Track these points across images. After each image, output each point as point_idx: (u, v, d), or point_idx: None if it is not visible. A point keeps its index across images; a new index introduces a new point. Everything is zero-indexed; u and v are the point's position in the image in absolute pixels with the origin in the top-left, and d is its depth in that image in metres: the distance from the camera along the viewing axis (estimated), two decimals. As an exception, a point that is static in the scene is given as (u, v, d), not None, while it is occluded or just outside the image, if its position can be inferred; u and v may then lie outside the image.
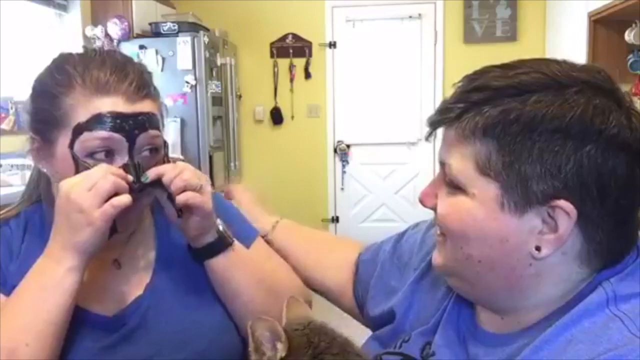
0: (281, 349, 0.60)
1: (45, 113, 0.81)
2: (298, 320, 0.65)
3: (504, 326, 0.66)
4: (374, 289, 0.90)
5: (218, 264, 0.86)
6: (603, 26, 3.34)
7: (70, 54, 0.85)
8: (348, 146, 4.85)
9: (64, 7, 3.76)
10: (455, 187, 0.64)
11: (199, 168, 0.88)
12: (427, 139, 0.70)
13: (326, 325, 0.65)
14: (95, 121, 0.78)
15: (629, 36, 3.14)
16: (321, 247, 1.05)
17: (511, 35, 4.52)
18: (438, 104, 0.68)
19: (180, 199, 0.78)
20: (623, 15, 3.06)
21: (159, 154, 0.84)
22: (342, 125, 4.85)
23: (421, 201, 0.70)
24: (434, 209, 0.68)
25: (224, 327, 0.88)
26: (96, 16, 3.89)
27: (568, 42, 3.87)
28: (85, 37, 3.81)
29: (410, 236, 0.90)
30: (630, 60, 3.20)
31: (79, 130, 0.78)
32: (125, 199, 0.75)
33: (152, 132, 0.81)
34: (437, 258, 0.70)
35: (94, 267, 0.82)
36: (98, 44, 3.81)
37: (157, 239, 0.92)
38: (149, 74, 0.86)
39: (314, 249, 1.03)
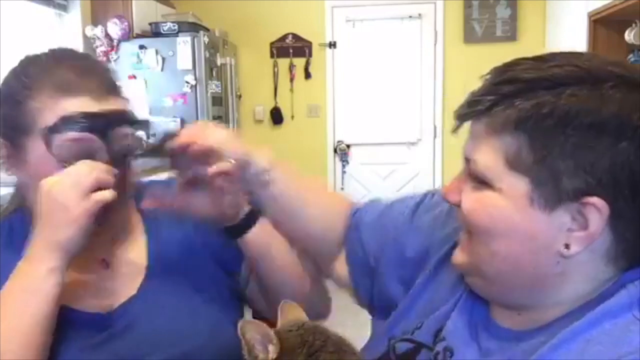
0: (272, 351, 0.60)
1: (12, 118, 0.80)
2: (292, 322, 0.65)
3: (520, 322, 0.64)
4: (386, 256, 0.85)
5: (255, 235, 0.86)
6: (603, 26, 3.33)
7: (36, 56, 0.85)
8: (348, 146, 4.85)
9: (64, 7, 3.76)
10: (481, 182, 0.62)
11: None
12: (453, 132, 0.66)
13: (320, 325, 0.65)
14: (64, 122, 0.77)
15: (629, 36, 3.14)
16: (316, 197, 0.95)
17: (511, 35, 4.52)
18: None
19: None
20: (623, 15, 3.05)
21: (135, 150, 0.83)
22: (342, 125, 4.85)
23: (445, 197, 0.68)
24: (458, 205, 0.66)
25: (219, 324, 0.88)
26: (96, 16, 3.89)
27: (568, 42, 3.87)
28: (85, 37, 3.81)
29: (435, 204, 0.84)
30: (631, 60, 3.20)
31: (50, 132, 0.77)
32: (107, 194, 0.74)
33: (125, 127, 0.81)
34: (459, 256, 0.68)
35: (80, 266, 0.82)
36: (98, 44, 3.81)
37: (149, 240, 0.91)
38: (114, 72, 0.86)
39: (311, 199, 0.92)
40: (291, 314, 0.69)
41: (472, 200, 0.64)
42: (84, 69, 0.81)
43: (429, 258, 0.80)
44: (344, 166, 4.90)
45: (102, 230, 0.82)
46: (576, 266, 0.60)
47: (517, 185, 0.59)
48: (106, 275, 0.87)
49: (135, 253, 0.90)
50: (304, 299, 0.82)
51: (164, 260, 0.90)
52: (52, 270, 0.74)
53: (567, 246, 0.58)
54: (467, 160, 0.64)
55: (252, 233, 0.86)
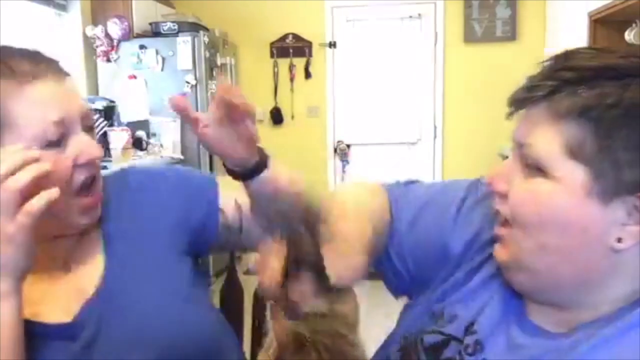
0: (271, 353, 0.63)
1: None
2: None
3: (556, 322, 0.63)
4: (426, 257, 0.80)
5: (266, 176, 0.85)
6: (603, 26, 3.34)
7: None
8: (348, 146, 4.86)
9: (63, 7, 3.77)
10: (534, 169, 0.60)
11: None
12: (507, 117, 0.64)
13: (337, 329, 0.67)
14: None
15: (629, 36, 3.14)
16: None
17: (511, 35, 4.52)
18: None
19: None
20: (623, 15, 3.06)
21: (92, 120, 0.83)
22: (342, 125, 4.85)
23: (490, 185, 0.66)
24: (505, 194, 0.64)
25: (188, 317, 0.85)
26: (96, 16, 3.90)
27: (568, 42, 3.88)
28: (85, 36, 3.82)
29: (486, 195, 0.77)
30: (631, 60, 3.20)
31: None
32: (37, 203, 0.66)
33: (82, 103, 0.80)
34: (502, 251, 0.66)
35: (44, 275, 0.79)
36: (98, 43, 3.81)
37: (105, 234, 0.86)
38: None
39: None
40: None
41: (523, 190, 0.62)
42: (33, 56, 0.79)
43: (472, 255, 0.76)
44: (344, 166, 4.90)
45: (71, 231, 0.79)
46: (626, 262, 0.58)
47: (575, 174, 0.57)
48: (70, 279, 0.83)
49: (92, 250, 0.85)
50: None
51: (122, 257, 0.85)
52: (4, 296, 0.68)
53: (619, 240, 0.57)
54: (520, 145, 0.62)
55: (267, 175, 0.84)
